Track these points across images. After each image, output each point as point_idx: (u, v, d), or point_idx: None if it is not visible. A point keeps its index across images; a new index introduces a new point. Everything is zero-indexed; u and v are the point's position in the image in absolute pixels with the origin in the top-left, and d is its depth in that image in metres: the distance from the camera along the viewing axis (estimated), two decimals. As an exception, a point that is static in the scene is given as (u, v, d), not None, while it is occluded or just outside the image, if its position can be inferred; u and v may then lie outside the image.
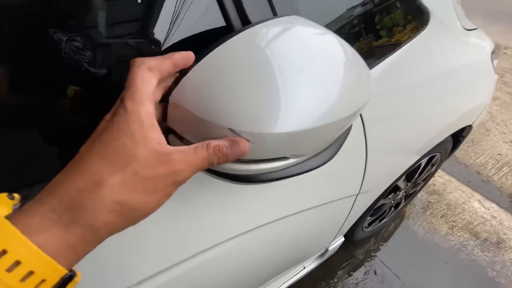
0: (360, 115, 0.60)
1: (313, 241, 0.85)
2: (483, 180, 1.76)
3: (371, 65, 0.57)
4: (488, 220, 1.52)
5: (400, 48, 0.61)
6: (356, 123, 0.61)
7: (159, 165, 0.22)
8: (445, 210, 1.57)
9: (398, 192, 1.23)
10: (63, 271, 0.20)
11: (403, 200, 1.40)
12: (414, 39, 0.63)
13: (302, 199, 0.64)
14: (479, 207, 1.58)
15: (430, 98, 0.79)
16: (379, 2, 0.61)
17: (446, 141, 1.13)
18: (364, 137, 0.62)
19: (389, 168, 0.81)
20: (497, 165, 1.85)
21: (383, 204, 1.23)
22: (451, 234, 1.46)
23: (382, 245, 1.43)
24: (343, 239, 1.07)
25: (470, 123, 1.08)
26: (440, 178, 1.75)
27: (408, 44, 0.62)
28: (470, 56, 0.84)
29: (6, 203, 0.21)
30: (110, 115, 0.23)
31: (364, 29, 0.58)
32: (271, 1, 0.37)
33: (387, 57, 0.59)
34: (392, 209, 1.39)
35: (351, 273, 1.33)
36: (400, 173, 0.91)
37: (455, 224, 1.50)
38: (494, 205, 1.60)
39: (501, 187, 1.71)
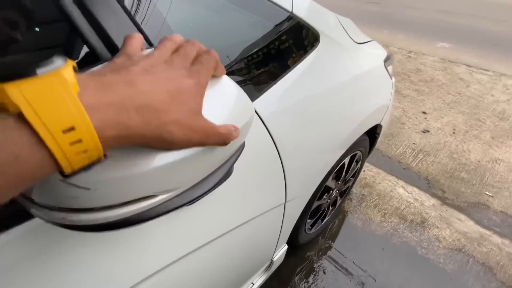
0: (268, 130, 0.64)
1: (253, 256, 0.86)
2: (404, 168, 1.99)
3: (270, 84, 0.62)
4: (412, 203, 1.72)
5: (300, 64, 0.68)
6: (265, 139, 0.65)
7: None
8: (377, 200, 1.73)
9: (331, 192, 1.32)
10: (101, 152, 0.22)
11: (338, 197, 1.51)
12: (309, 56, 0.70)
13: (228, 219, 0.64)
14: (404, 193, 1.78)
15: (338, 104, 0.88)
16: (273, 38, 0.67)
17: (362, 139, 1.26)
18: (276, 150, 0.66)
19: (311, 172, 0.87)
20: (413, 153, 2.12)
21: (319, 205, 1.31)
22: (384, 221, 1.61)
23: (329, 242, 1.50)
24: (286, 246, 1.10)
25: (379, 122, 1.23)
26: (370, 172, 1.94)
27: (304, 61, 0.69)
28: (366, 64, 0.97)
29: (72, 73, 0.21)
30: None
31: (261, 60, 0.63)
32: (141, 28, 0.37)
33: (286, 74, 0.65)
34: (330, 207, 1.49)
35: (306, 275, 1.37)
36: (323, 175, 0.98)
37: (386, 211, 1.66)
38: (415, 189, 1.83)
39: (419, 172, 1.97)
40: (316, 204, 1.22)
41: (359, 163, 1.46)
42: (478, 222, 1.63)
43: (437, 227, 1.58)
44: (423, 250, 1.47)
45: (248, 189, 0.66)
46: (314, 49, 0.71)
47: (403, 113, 2.58)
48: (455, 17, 5.47)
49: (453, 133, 2.34)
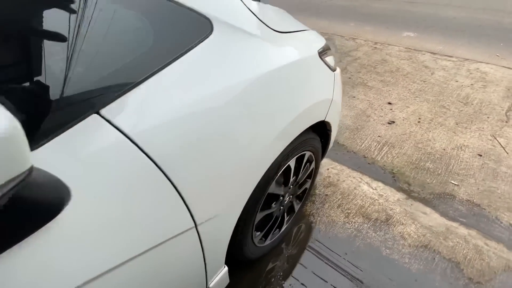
0: (135, 144, 0.51)
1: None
2: (369, 163, 1.91)
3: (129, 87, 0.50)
4: (376, 200, 1.64)
5: (179, 60, 0.55)
6: (134, 157, 0.52)
7: None
8: (340, 200, 1.64)
9: (281, 199, 1.21)
10: None
11: (295, 202, 1.40)
12: (195, 49, 0.58)
13: (103, 257, 0.51)
14: (368, 189, 1.70)
15: (251, 103, 0.76)
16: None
17: (308, 138, 1.16)
18: (157, 169, 0.54)
19: (230, 185, 0.75)
20: (378, 146, 2.05)
21: (270, 214, 1.20)
22: (347, 222, 1.52)
23: (289, 251, 1.39)
24: (225, 268, 0.97)
25: (322, 119, 1.13)
26: (334, 169, 1.84)
27: (187, 55, 0.57)
28: (291, 56, 0.86)
29: None
30: None
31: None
32: None
33: (154, 75, 0.52)
34: (287, 214, 1.38)
35: (260, 293, 1.25)
36: (252, 185, 0.86)
37: (349, 211, 1.57)
38: (380, 184, 1.75)
39: (384, 165, 1.89)
40: (261, 215, 1.10)
41: (313, 164, 1.35)
42: (443, 214, 1.56)
43: (402, 224, 1.50)
44: (387, 250, 1.38)
45: (123, 222, 0.53)
46: (203, 41, 0.59)
47: (369, 105, 2.52)
48: (420, 6, 5.53)
49: (418, 122, 2.29)
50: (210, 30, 0.61)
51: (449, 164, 1.88)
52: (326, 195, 1.67)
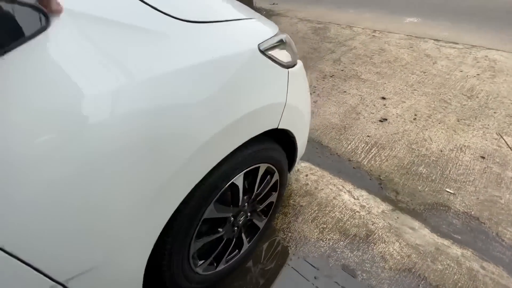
0: None
1: None
2: (354, 167, 1.70)
3: None
4: (357, 212, 1.44)
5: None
6: None
7: None
8: (316, 212, 1.44)
9: (233, 219, 1.03)
10: None
11: (258, 219, 1.22)
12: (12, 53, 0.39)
13: None
14: (349, 199, 1.50)
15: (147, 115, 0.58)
16: None
17: (262, 149, 0.97)
18: None
19: (119, 225, 0.58)
20: (366, 148, 1.83)
21: (218, 239, 1.02)
22: (321, 239, 1.33)
23: (254, 272, 1.22)
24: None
25: (275, 127, 0.93)
26: (313, 175, 1.65)
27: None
28: (204, 53, 0.65)
29: None
30: None
31: None
32: None
33: None
34: (247, 234, 1.20)
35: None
36: (161, 219, 0.68)
37: (325, 226, 1.38)
38: (364, 192, 1.54)
39: (370, 170, 1.68)
40: (200, 243, 0.92)
41: (276, 175, 1.16)
42: (434, 229, 1.35)
43: (384, 242, 1.30)
44: (364, 274, 1.19)
45: None
46: (27, 41, 0.40)
47: (360, 101, 2.28)
48: (427, -10, 5.13)
49: (414, 119, 2.05)
50: (42, 25, 0.42)
51: (446, 168, 1.65)
52: (301, 206, 1.48)
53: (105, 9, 0.50)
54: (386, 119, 2.06)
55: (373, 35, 3.41)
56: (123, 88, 0.51)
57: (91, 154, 0.50)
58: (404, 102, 2.22)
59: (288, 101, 0.93)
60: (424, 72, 2.59)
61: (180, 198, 0.70)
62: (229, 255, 1.15)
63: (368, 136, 1.92)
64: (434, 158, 1.72)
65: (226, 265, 1.14)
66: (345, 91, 2.41)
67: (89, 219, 0.54)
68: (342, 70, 2.73)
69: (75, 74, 0.46)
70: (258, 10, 4.61)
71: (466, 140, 1.83)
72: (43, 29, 0.43)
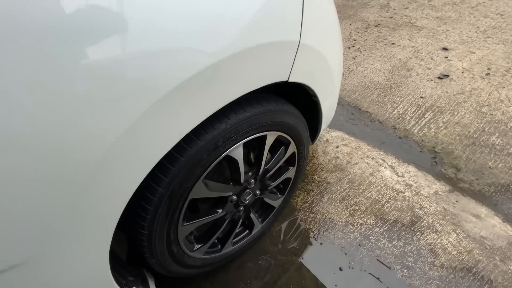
0: None
1: None
2: (400, 137, 1.37)
3: None
4: (400, 192, 1.15)
5: None
6: None
7: None
8: (347, 191, 1.19)
9: (235, 199, 0.83)
10: None
11: (272, 198, 1.01)
12: None
13: None
14: (391, 176, 1.20)
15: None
16: None
17: (266, 112, 0.72)
18: None
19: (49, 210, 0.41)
20: (418, 112, 1.46)
21: (215, 222, 0.84)
22: (351, 223, 1.08)
23: (267, 259, 1.05)
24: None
25: (284, 79, 0.67)
26: (345, 147, 1.36)
27: None
28: None
29: None
30: None
31: None
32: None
33: None
34: (258, 214, 1.01)
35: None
36: (120, 201, 0.49)
37: (357, 207, 1.12)
38: (411, 168, 1.23)
39: (422, 140, 1.33)
40: (190, 227, 0.75)
41: (291, 147, 0.91)
42: (508, 218, 1.02)
43: (436, 231, 1.01)
44: (404, 270, 0.94)
45: None
46: None
47: (413, 54, 1.83)
48: None
49: (487, 74, 1.57)
50: None
51: (531, 138, 1.24)
52: (328, 183, 1.23)
53: None
54: (447, 76, 1.62)
55: (435, -28, 2.72)
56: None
57: None
58: (474, 53, 1.72)
59: (304, 40, 0.65)
60: (502, 14, 1.98)
61: (137, 175, 0.51)
62: (236, 236, 0.98)
63: (422, 97, 1.53)
64: (513, 125, 1.30)
65: (234, 247, 0.98)
66: (393, 43, 1.96)
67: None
68: (391, 18, 2.23)
69: None
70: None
71: None
72: None
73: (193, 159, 0.62)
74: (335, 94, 0.99)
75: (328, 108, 0.98)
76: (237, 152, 0.72)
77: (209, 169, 0.67)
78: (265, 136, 0.78)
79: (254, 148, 0.86)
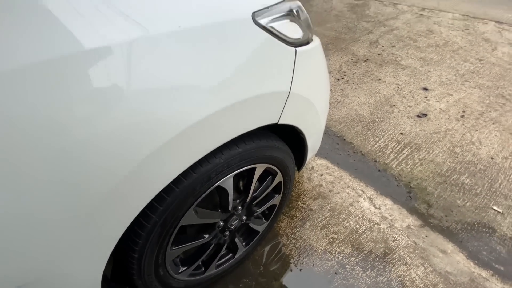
0: None
1: None
2: (379, 170, 1.47)
3: None
4: (376, 223, 1.23)
5: None
6: None
7: None
8: (328, 219, 1.26)
9: (222, 224, 0.89)
10: None
11: (255, 223, 1.06)
12: None
13: None
14: (368, 208, 1.29)
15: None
16: None
17: (260, 148, 0.79)
18: None
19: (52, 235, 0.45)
20: (398, 148, 1.57)
21: (201, 246, 0.89)
22: (329, 251, 1.15)
23: (248, 277, 1.09)
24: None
25: (274, 122, 0.74)
26: (329, 176, 1.44)
27: None
28: (183, 19, 0.48)
29: None
30: None
31: None
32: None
33: None
34: (243, 238, 1.06)
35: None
36: (115, 231, 0.54)
37: (336, 236, 1.19)
38: (388, 201, 1.32)
39: (399, 175, 1.43)
40: (177, 251, 0.80)
41: (278, 177, 0.98)
42: (472, 255, 1.11)
43: (406, 264, 1.09)
44: (376, 301, 1.01)
45: None
46: None
47: (397, 91, 1.97)
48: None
49: (462, 116, 1.72)
50: None
51: (496, 180, 1.36)
52: (311, 210, 1.30)
53: None
54: (426, 115, 1.75)
55: (421, 14, 2.95)
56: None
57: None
58: (451, 95, 1.88)
59: (294, 89, 0.74)
60: (480, 60, 2.17)
61: (139, 205, 0.56)
62: (220, 259, 1.02)
63: (402, 133, 1.65)
64: (482, 167, 1.42)
65: (217, 269, 1.02)
66: (379, 79, 2.11)
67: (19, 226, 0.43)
68: (379, 54, 2.39)
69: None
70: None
71: (526, 146, 1.50)
72: None
73: (187, 190, 0.68)
74: (320, 130, 1.07)
75: (313, 142, 1.06)
76: (227, 182, 0.78)
77: (200, 198, 0.73)
78: (255, 168, 0.85)
79: (243, 177, 0.92)
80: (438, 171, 1.43)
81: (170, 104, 0.51)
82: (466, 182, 1.36)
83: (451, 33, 2.56)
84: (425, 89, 1.96)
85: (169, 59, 0.48)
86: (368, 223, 1.23)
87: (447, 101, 1.83)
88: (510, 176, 1.37)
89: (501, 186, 1.33)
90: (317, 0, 3.69)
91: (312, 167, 1.50)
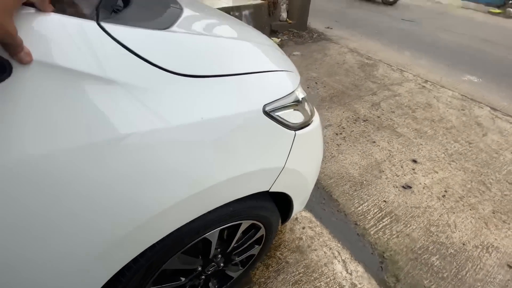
0: None
1: None
2: (358, 234, 1.54)
3: None
4: (345, 289, 1.28)
5: None
6: None
7: None
8: (301, 275, 1.31)
9: (200, 269, 0.94)
10: None
11: (232, 270, 1.11)
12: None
13: None
14: (341, 272, 1.34)
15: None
16: None
17: (248, 208, 0.87)
18: None
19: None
20: (379, 215, 1.65)
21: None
22: (296, 309, 1.19)
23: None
24: None
25: (266, 189, 0.82)
26: (311, 230, 1.51)
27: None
28: (187, 114, 0.57)
29: None
30: None
31: None
32: None
33: None
34: (217, 282, 1.10)
35: None
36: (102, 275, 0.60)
37: (305, 295, 1.24)
38: (360, 267, 1.37)
39: (376, 243, 1.50)
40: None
41: (261, 230, 1.05)
42: None
43: (365, 337, 1.13)
44: None
45: None
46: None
47: (388, 157, 2.09)
48: (499, 48, 4.70)
49: (443, 196, 1.82)
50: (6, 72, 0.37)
51: (464, 267, 1.43)
52: (287, 262, 1.35)
53: (78, 57, 0.44)
54: (410, 187, 1.85)
55: (423, 86, 3.16)
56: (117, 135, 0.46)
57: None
58: (437, 172, 1.99)
59: (288, 165, 0.82)
60: (470, 143, 2.32)
61: (134, 253, 0.62)
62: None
63: (385, 201, 1.74)
64: (452, 251, 1.50)
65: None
66: (374, 142, 2.23)
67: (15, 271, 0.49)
68: (378, 117, 2.54)
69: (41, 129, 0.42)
70: (310, 31, 4.51)
71: (496, 239, 1.58)
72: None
73: (176, 240, 0.74)
74: (308, 193, 1.15)
75: (300, 203, 1.14)
76: (213, 235, 0.84)
77: (186, 247, 0.79)
78: (241, 223, 0.91)
79: (228, 228, 0.99)
80: (412, 246, 1.50)
81: (185, 174, 0.59)
82: (435, 264, 1.43)
83: (447, 110, 2.73)
84: (414, 161, 2.08)
85: (190, 145, 0.57)
86: (337, 287, 1.28)
87: (432, 178, 1.94)
88: (476, 266, 1.44)
89: (467, 275, 1.40)
90: (332, 51, 3.92)
91: (297, 218, 1.57)
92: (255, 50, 0.81)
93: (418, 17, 6.31)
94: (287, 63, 0.94)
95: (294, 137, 0.80)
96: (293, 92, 0.80)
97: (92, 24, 0.49)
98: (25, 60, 0.40)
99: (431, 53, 4.18)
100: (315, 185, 1.82)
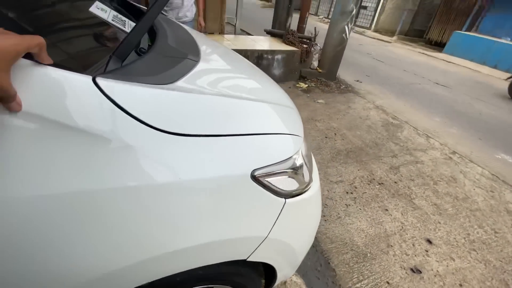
0: None
1: None
2: (350, 317, 1.35)
3: None
4: None
5: None
6: None
7: None
8: None
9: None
10: None
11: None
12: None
13: None
14: None
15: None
16: None
17: (219, 273, 0.77)
18: None
19: None
20: (378, 299, 1.45)
21: None
22: None
23: None
24: None
25: (243, 258, 0.73)
26: (297, 302, 1.34)
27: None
28: (182, 172, 0.53)
29: None
30: None
31: None
32: None
33: None
34: None
35: None
36: None
37: None
38: None
39: (369, 333, 1.30)
40: None
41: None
42: None
43: None
44: None
45: None
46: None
47: (399, 231, 1.90)
48: (539, 130, 4.41)
49: (457, 290, 1.58)
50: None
51: None
52: (262, 335, 1.19)
53: (65, 112, 0.43)
54: (420, 271, 1.64)
55: (450, 157, 2.97)
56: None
57: None
58: (454, 260, 1.77)
59: (272, 235, 0.74)
60: (496, 232, 2.07)
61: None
62: None
63: (388, 283, 1.54)
64: None
65: None
66: (387, 209, 2.06)
67: None
68: (395, 183, 2.38)
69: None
70: (338, 82, 4.55)
71: None
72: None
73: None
74: (296, 264, 1.03)
75: (286, 273, 1.01)
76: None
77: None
78: (212, 286, 0.82)
79: None
80: None
81: (145, 236, 0.54)
82: None
83: (474, 189, 2.52)
84: (429, 241, 1.87)
85: (157, 205, 0.52)
86: None
87: (447, 266, 1.72)
88: None
89: None
90: (357, 104, 3.89)
91: (285, 283, 1.42)
92: (261, 111, 0.77)
93: (454, 83, 6.21)
94: (296, 126, 0.89)
95: (284, 205, 0.72)
96: (290, 157, 0.74)
97: (87, 79, 0.48)
98: (14, 109, 0.41)
99: (463, 123, 4.01)
100: (313, 246, 1.68)
